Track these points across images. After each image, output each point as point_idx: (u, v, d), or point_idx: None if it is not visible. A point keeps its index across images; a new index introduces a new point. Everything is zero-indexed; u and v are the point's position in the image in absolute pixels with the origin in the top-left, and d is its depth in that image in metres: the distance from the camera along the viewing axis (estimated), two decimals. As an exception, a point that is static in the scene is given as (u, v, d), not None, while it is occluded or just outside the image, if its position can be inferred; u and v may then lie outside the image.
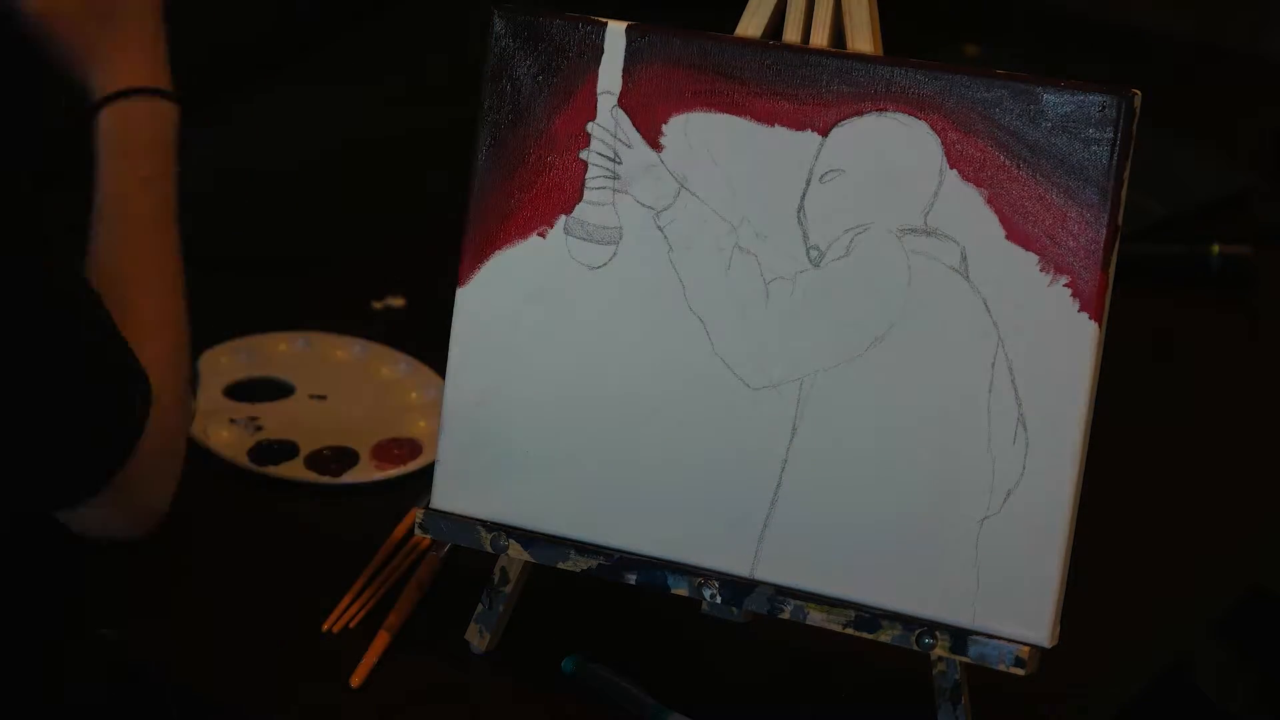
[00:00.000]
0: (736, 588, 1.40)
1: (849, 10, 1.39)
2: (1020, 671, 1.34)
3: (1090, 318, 1.32)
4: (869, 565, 1.37)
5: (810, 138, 1.38)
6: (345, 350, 1.90)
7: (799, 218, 1.38)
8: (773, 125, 1.38)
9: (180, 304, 1.57)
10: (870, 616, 1.37)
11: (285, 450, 1.74)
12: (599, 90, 1.42)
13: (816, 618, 1.38)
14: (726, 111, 1.39)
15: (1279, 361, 2.02)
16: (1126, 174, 1.32)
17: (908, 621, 1.36)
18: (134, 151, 1.58)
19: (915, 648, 1.36)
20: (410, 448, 1.73)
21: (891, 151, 1.36)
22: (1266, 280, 2.14)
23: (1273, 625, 1.72)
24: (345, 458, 1.73)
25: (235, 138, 2.31)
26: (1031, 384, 1.33)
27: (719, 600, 1.40)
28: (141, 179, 1.57)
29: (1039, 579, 1.33)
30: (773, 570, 1.39)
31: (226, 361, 1.85)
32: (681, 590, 1.41)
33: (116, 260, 1.54)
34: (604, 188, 1.43)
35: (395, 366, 1.87)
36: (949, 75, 1.35)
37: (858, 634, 1.37)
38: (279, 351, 1.88)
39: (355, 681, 1.45)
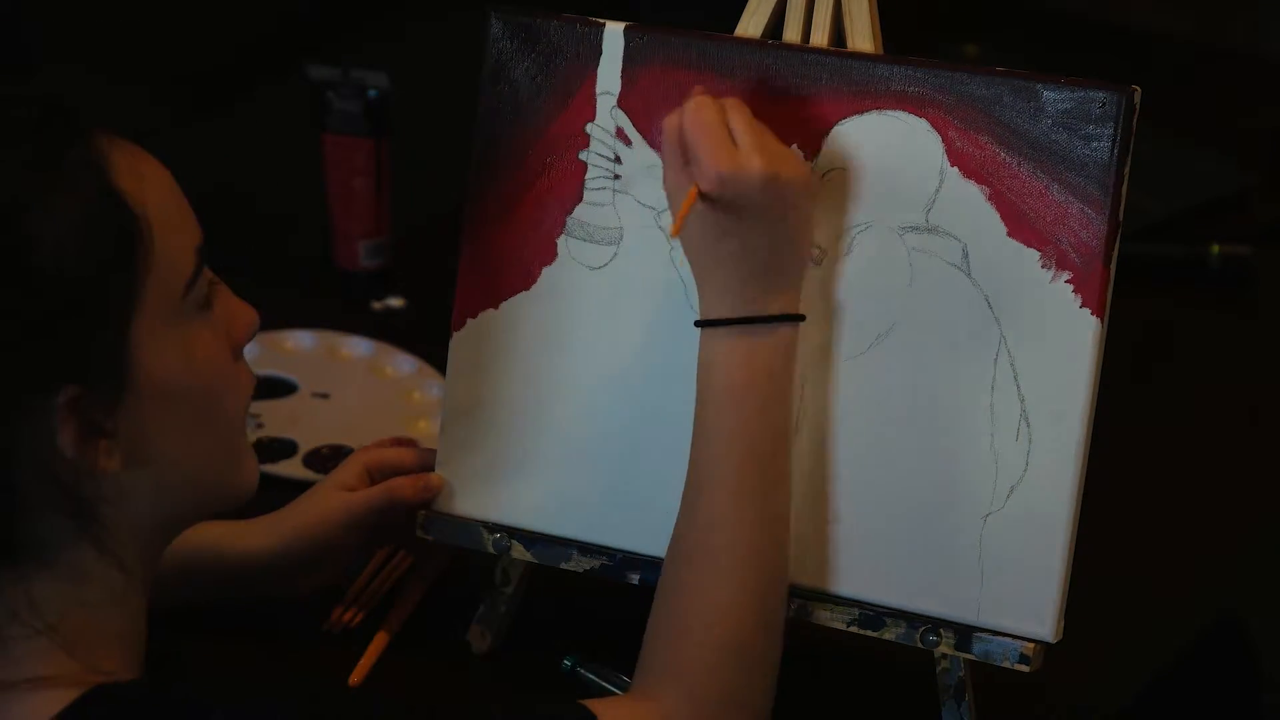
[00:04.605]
0: (738, 586, 1.40)
1: (849, 10, 1.39)
2: (1025, 668, 1.33)
3: (1092, 313, 1.32)
4: (872, 563, 1.36)
5: (811, 137, 1.38)
6: (352, 349, 1.90)
7: (800, 216, 1.38)
8: (773, 125, 1.38)
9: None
10: (874, 614, 1.37)
11: (283, 448, 1.74)
12: (598, 91, 1.42)
13: (820, 616, 1.38)
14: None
15: (1279, 361, 2.02)
16: (1127, 169, 1.32)
17: (912, 619, 1.36)
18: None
19: (919, 645, 1.36)
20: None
21: (892, 150, 1.36)
22: (1266, 280, 2.14)
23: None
24: (343, 457, 1.72)
25: (237, 136, 2.32)
26: (1034, 380, 1.33)
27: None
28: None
29: (1043, 574, 1.33)
30: (774, 568, 1.39)
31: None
32: (683, 589, 1.40)
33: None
34: (604, 188, 1.43)
35: (400, 366, 1.87)
36: (948, 73, 1.35)
37: (861, 632, 1.37)
38: (286, 348, 1.89)
39: (355, 681, 1.45)
